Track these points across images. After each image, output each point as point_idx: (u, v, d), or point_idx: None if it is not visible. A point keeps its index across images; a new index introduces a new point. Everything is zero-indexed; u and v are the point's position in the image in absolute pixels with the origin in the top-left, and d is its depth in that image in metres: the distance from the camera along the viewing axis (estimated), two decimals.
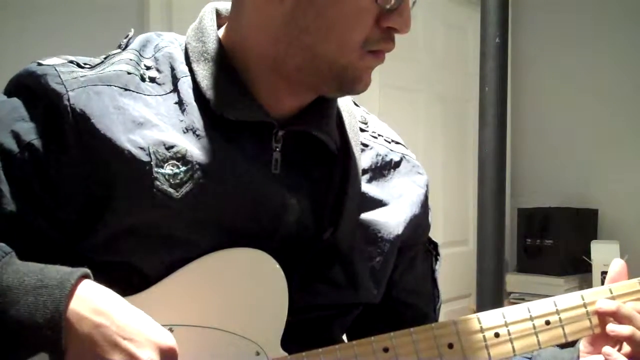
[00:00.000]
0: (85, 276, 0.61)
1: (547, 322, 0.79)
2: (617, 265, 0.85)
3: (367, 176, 0.83)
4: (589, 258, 2.68)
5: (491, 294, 1.57)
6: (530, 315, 0.78)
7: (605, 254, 2.64)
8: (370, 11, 0.71)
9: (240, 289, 0.71)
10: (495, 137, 1.56)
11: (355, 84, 0.75)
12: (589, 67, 3.03)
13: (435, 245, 0.93)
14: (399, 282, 0.88)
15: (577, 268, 2.78)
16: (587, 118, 3.04)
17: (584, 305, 0.81)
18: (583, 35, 3.05)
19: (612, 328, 0.79)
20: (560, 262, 2.78)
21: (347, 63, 0.72)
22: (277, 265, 0.71)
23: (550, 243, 2.82)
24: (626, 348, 0.80)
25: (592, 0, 3.04)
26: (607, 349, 0.79)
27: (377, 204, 0.83)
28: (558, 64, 3.13)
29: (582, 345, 0.86)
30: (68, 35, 1.81)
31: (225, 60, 0.75)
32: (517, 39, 3.16)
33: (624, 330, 0.78)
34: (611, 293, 0.82)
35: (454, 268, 2.76)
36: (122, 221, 0.68)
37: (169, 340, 0.61)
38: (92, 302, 0.59)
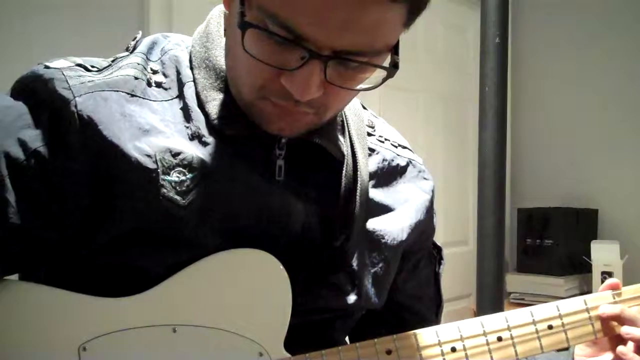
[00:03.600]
0: None
1: (550, 327, 0.78)
2: (608, 283, 0.85)
3: (373, 181, 0.83)
4: (589, 258, 2.68)
5: (491, 294, 1.57)
6: (533, 319, 0.78)
7: (605, 254, 2.64)
8: (267, 66, 0.64)
9: (244, 290, 0.71)
10: (495, 137, 1.55)
11: (263, 124, 0.71)
12: (589, 67, 3.03)
13: (439, 249, 0.93)
14: (402, 287, 0.88)
15: (577, 268, 2.78)
16: (587, 118, 3.04)
17: (587, 310, 0.80)
18: (583, 35, 3.05)
19: (628, 330, 0.79)
20: (560, 262, 2.77)
21: (249, 101, 0.70)
22: (281, 267, 0.71)
23: (550, 243, 2.81)
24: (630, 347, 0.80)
25: (592, 0, 3.04)
26: (622, 348, 0.79)
27: (383, 209, 0.82)
28: (558, 64, 3.12)
29: (578, 348, 0.86)
30: (68, 34, 1.81)
31: (224, 69, 0.74)
32: (517, 39, 3.16)
33: (639, 332, 0.78)
34: (614, 298, 0.82)
35: (454, 268, 2.76)
36: (127, 226, 0.67)
37: None
38: None
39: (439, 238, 0.93)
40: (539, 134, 3.19)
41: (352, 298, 0.78)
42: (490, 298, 1.57)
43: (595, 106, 3.01)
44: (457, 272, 2.78)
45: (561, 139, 3.11)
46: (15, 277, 0.71)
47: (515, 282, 2.86)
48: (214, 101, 0.72)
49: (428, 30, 2.87)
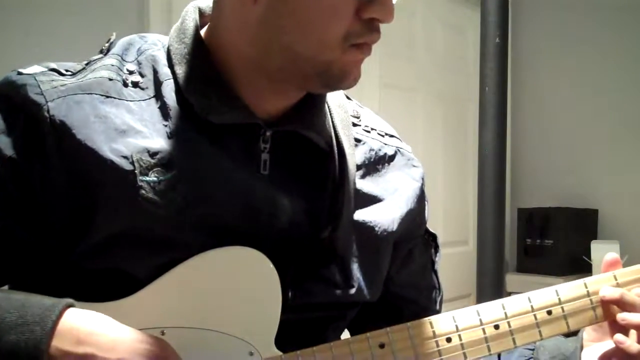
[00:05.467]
0: (69, 306, 0.60)
1: (549, 312, 0.76)
2: (609, 258, 0.83)
3: (360, 172, 0.82)
4: (589, 258, 2.68)
5: (491, 294, 1.57)
6: (532, 306, 0.76)
7: (605, 254, 2.62)
8: (348, 4, 0.67)
9: (233, 289, 0.70)
10: (495, 137, 1.55)
11: (342, 80, 0.72)
12: (588, 67, 3.03)
13: (434, 236, 0.91)
14: (396, 277, 0.87)
15: (577, 268, 2.77)
16: (587, 118, 3.04)
17: (588, 294, 0.78)
18: (583, 35, 3.05)
19: (623, 316, 0.77)
20: (560, 262, 2.78)
21: (330, 59, 0.69)
22: (270, 264, 0.70)
23: (550, 243, 2.82)
24: (633, 335, 0.78)
25: (592, 0, 3.04)
26: (619, 336, 0.77)
27: (372, 200, 0.81)
28: (558, 64, 3.12)
29: (586, 333, 0.84)
30: (68, 34, 1.81)
31: (207, 62, 0.73)
32: (517, 39, 3.16)
33: (635, 318, 0.77)
34: (616, 280, 0.80)
35: (454, 268, 2.76)
36: (109, 230, 0.67)
37: (162, 350, 0.60)
38: (75, 334, 0.58)
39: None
40: (539, 134, 3.19)
41: (344, 292, 0.77)
42: (490, 298, 1.55)
43: (595, 106, 3.01)
44: (457, 272, 2.78)
45: (561, 139, 3.11)
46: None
47: (515, 282, 2.86)
48: (198, 92, 0.72)
49: (428, 30, 2.86)
